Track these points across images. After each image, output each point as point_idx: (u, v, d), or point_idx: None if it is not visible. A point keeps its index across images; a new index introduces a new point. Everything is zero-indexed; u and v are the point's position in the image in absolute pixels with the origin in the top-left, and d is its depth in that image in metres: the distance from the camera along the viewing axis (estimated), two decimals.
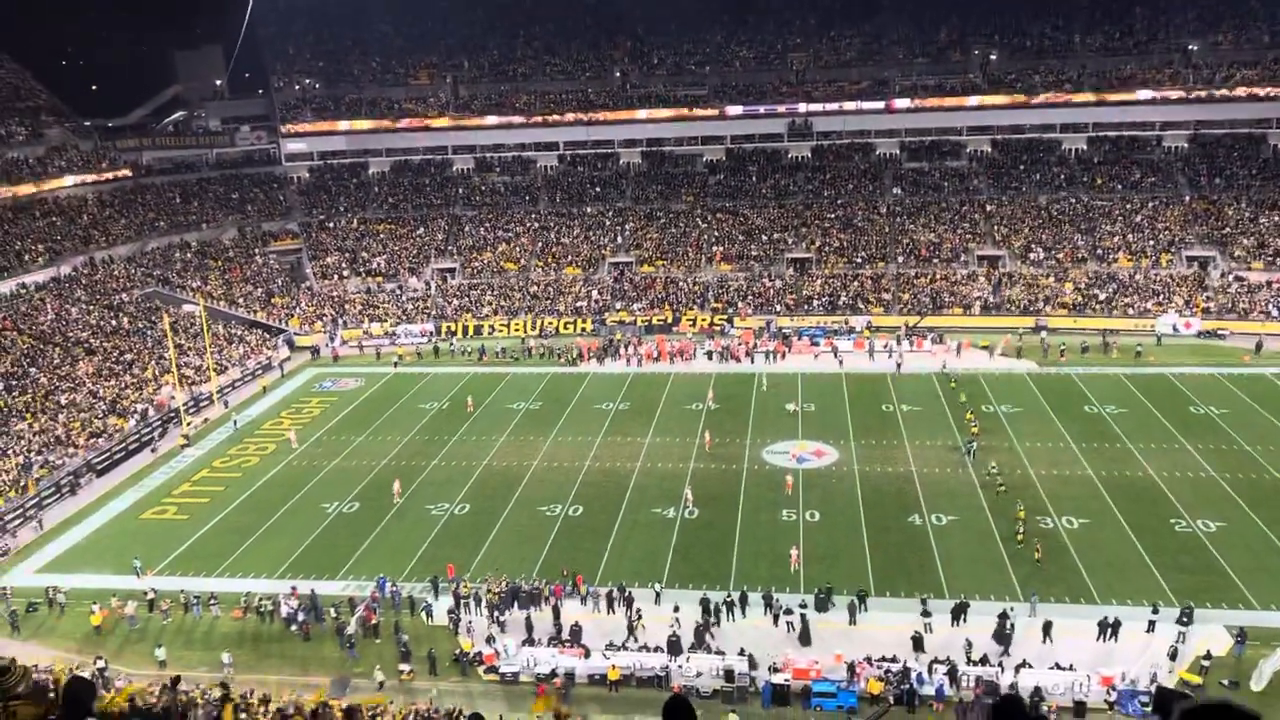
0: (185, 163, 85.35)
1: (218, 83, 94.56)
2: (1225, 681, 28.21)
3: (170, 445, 51.89)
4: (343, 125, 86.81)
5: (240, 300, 71.78)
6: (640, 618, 32.29)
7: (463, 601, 33.82)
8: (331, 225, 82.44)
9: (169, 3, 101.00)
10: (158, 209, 79.29)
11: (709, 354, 62.85)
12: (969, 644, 29.77)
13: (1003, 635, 30.49)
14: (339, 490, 44.58)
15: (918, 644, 30.49)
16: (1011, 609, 31.62)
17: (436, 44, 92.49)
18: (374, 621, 32.92)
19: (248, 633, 33.34)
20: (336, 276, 77.04)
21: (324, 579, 36.44)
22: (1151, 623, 30.80)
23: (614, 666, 30.02)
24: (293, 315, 71.61)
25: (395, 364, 63.96)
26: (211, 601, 34.46)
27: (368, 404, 56.92)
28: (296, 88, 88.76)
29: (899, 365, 59.09)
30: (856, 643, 30.75)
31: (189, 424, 53.71)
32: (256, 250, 78.90)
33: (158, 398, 55.48)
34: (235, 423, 54.23)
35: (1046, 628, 30.76)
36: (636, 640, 31.59)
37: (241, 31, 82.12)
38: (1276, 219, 71.11)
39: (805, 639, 31.09)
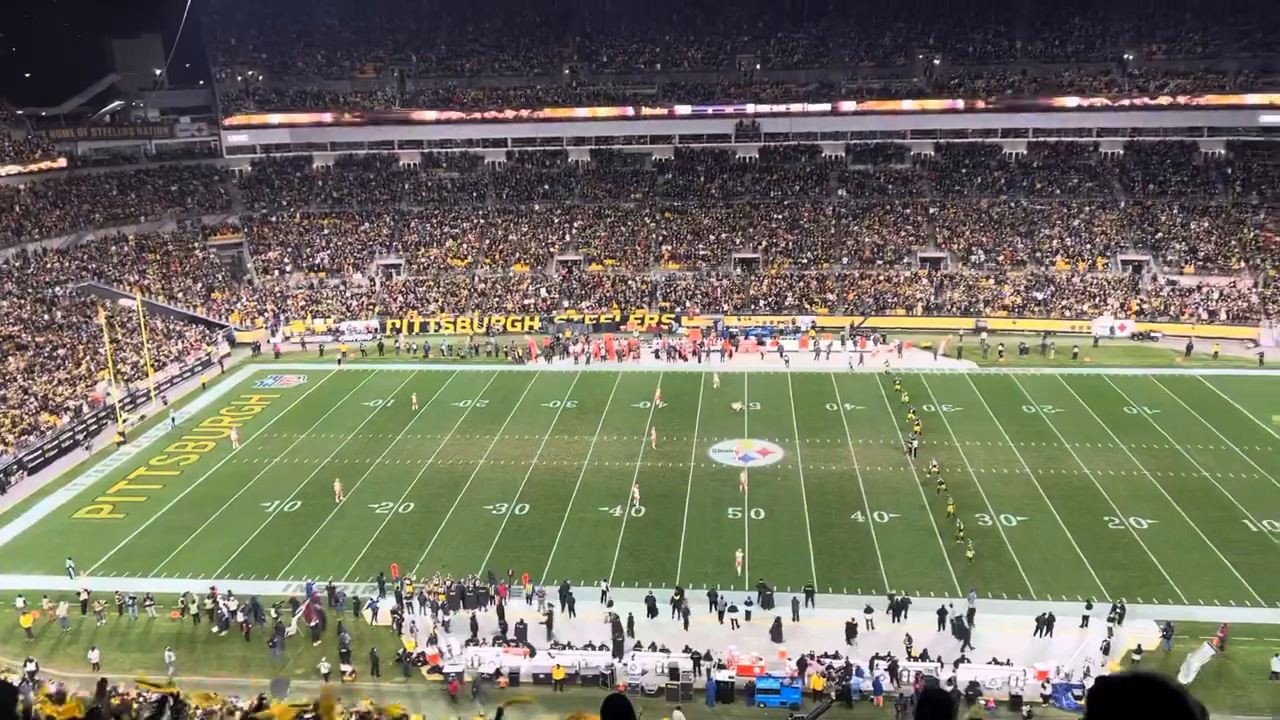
0: (123, 154, 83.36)
1: (157, 73, 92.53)
2: None
3: (105, 443, 50.69)
4: (287, 118, 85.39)
5: (179, 295, 70.33)
6: (550, 613, 32.23)
7: (406, 601, 33.56)
8: (274, 219, 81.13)
9: None
10: (94, 201, 77.33)
11: (656, 353, 63.04)
12: (909, 639, 30.27)
13: (962, 629, 31.08)
14: (280, 489, 43.92)
15: (851, 632, 30.95)
16: (950, 605, 32.23)
17: (383, 38, 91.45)
18: (314, 622, 32.51)
19: (185, 634, 32.72)
20: (279, 271, 75.84)
21: (265, 579, 35.92)
22: (1085, 618, 31.60)
23: (559, 666, 30.01)
24: (234, 311, 70.35)
25: (339, 361, 63.16)
26: (148, 602, 33.75)
27: (310, 401, 56.15)
28: (239, 79, 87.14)
29: (852, 365, 59.75)
30: (799, 639, 31.13)
31: (125, 421, 52.52)
32: (196, 244, 77.37)
33: (92, 394, 54.19)
34: (173, 419, 53.15)
35: (967, 618, 31.49)
36: (551, 639, 31.53)
37: (182, 21, 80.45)
38: (1206, 225, 73.25)
39: (777, 635, 31.33)
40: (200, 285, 72.42)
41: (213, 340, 65.79)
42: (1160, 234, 73.34)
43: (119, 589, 34.88)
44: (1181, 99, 79.01)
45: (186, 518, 41.29)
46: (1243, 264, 69.17)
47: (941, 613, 31.80)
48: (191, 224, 79.17)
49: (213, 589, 34.04)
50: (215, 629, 32.60)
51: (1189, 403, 52.16)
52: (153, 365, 58.38)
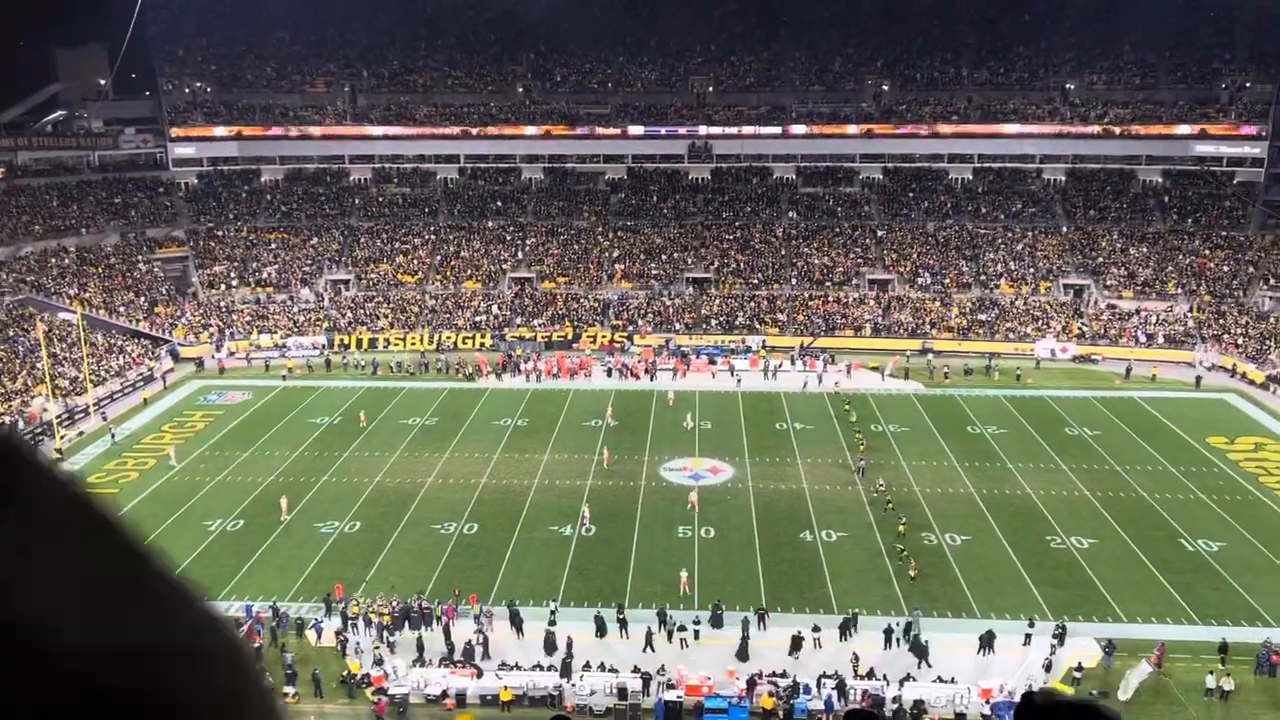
0: (64, 164, 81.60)
1: (101, 82, 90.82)
2: (1094, 692, 29.53)
3: None
4: (235, 130, 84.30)
5: (122, 309, 68.91)
6: (485, 635, 31.99)
7: (351, 622, 33.09)
8: (220, 233, 79.91)
9: None
10: (33, 212, 75.59)
11: (609, 371, 63.07)
12: (855, 657, 30.47)
13: (920, 647, 31.37)
14: (223, 507, 43.10)
15: (796, 645, 31.11)
16: (896, 624, 32.55)
17: (335, 52, 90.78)
18: (257, 644, 31.90)
19: None
20: (224, 286, 74.67)
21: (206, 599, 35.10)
22: (1028, 636, 32.11)
23: (506, 687, 29.78)
24: (177, 325, 69.09)
25: (284, 377, 62.27)
26: None
27: (255, 418, 55.25)
28: (186, 91, 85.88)
29: (807, 384, 60.22)
30: (751, 658, 31.22)
31: (62, 437, 51.24)
32: (140, 257, 75.89)
33: (28, 410, 52.81)
34: (113, 436, 51.98)
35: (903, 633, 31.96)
36: (480, 658, 31.28)
37: (128, 31, 79.01)
38: (1145, 250, 75.25)
39: (743, 654, 31.33)
40: (143, 299, 71.04)
41: (155, 355, 64.52)
42: (1100, 259, 75.17)
43: None
44: (1118, 129, 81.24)
45: None
46: (1179, 289, 71.14)
47: (888, 631, 32.11)
48: (135, 237, 77.69)
49: None
50: None
51: (1128, 424, 53.38)
52: (92, 380, 57.07)
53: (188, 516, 42.21)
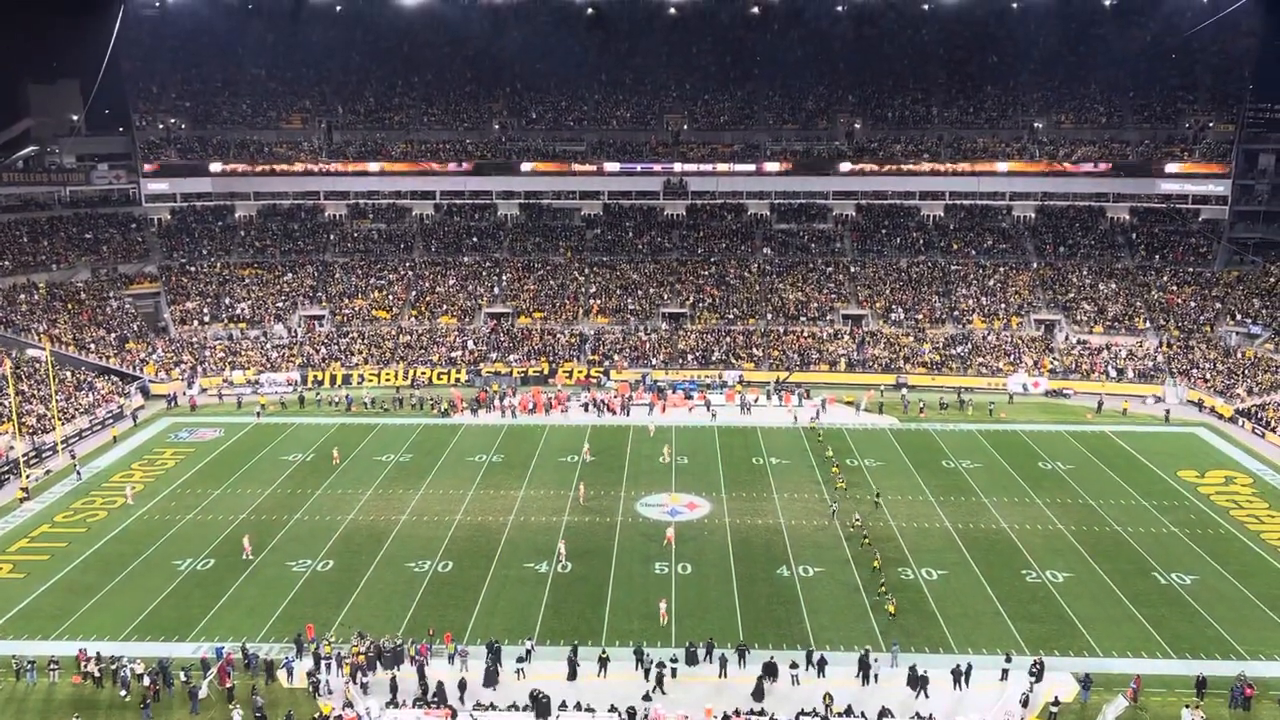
0: (35, 200, 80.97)
1: (74, 118, 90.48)
2: None
3: (8, 498, 48.49)
4: (209, 166, 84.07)
5: (92, 345, 68.14)
6: (463, 679, 31.52)
7: (323, 662, 32.55)
8: (193, 269, 79.43)
9: (23, 34, 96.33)
10: (2, 247, 74.86)
11: (585, 406, 62.94)
12: (829, 697, 30.16)
13: (916, 679, 31.25)
14: (193, 546, 42.43)
15: (760, 691, 30.91)
16: (876, 659, 32.41)
17: (310, 89, 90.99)
18: (229, 685, 31.29)
19: (86, 699, 31.15)
20: (197, 322, 74.09)
21: (175, 640, 34.52)
22: (1005, 670, 32.06)
23: None
24: (148, 362, 68.37)
25: (257, 414, 61.68)
26: (51, 666, 32.13)
27: (227, 455, 54.61)
28: (160, 127, 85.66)
29: (797, 418, 60.35)
30: (726, 696, 30.96)
31: (28, 476, 50.38)
32: (111, 293, 75.22)
33: None
34: (79, 473, 51.18)
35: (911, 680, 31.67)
36: (427, 694, 30.83)
37: (102, 67, 78.90)
38: (1114, 286, 76.33)
39: (759, 694, 31.03)
40: (114, 336, 70.31)
41: (126, 392, 63.76)
42: (1071, 294, 76.13)
43: (17, 652, 33.19)
44: (1086, 166, 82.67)
45: (91, 577, 39.58)
46: (1148, 324, 72.11)
47: (864, 665, 31.96)
48: (107, 273, 77.05)
49: (80, 651, 32.62)
50: (121, 693, 31.12)
51: (1100, 458, 53.80)
52: (60, 418, 56.28)
53: (157, 556, 41.52)
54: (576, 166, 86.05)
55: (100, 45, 79.85)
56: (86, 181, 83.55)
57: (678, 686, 31.57)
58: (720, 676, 32.15)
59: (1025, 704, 30.37)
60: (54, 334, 66.91)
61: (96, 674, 31.99)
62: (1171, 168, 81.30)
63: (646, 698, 30.76)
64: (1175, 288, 75.74)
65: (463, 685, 31.28)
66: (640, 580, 39.27)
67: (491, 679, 31.99)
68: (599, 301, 77.28)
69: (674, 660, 32.42)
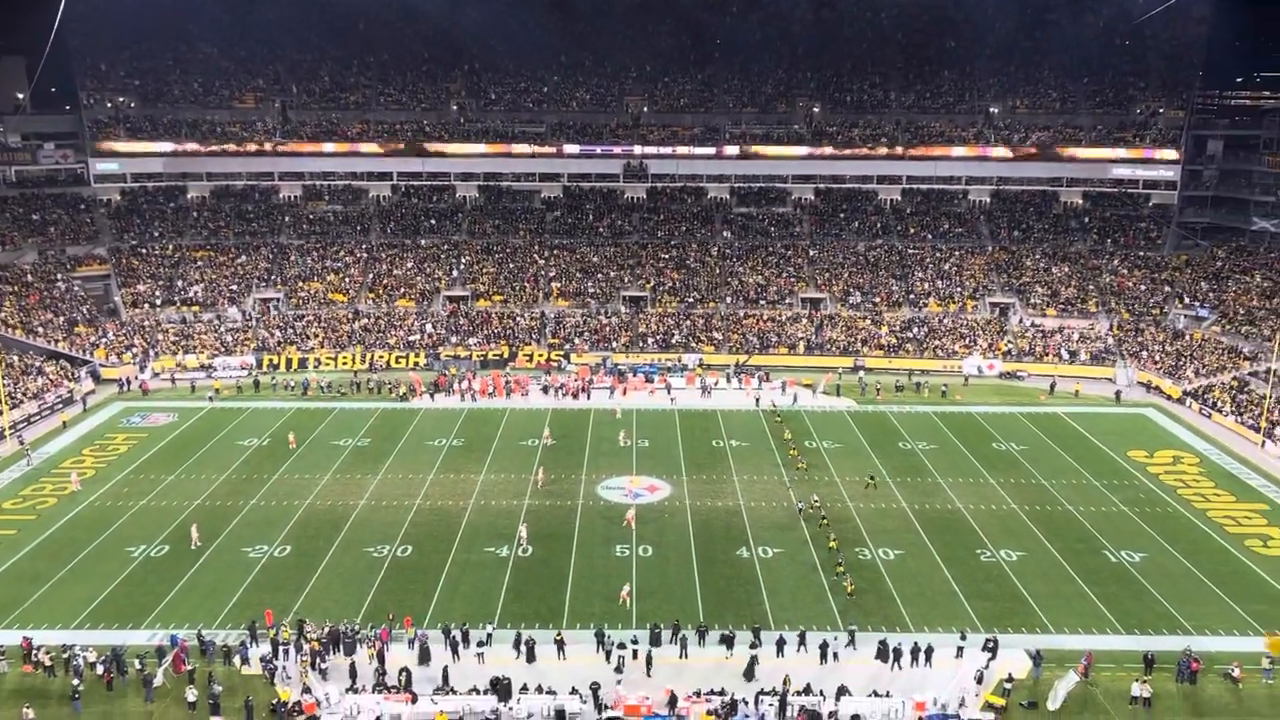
0: None
1: (19, 96, 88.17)
2: (1025, 703, 30.10)
3: None
4: (160, 147, 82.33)
5: (39, 329, 66.66)
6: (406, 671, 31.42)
7: (281, 648, 32.29)
8: (144, 251, 77.89)
9: None
10: None
11: (545, 389, 62.78)
12: (787, 679, 30.47)
13: (886, 652, 31.82)
14: (146, 532, 41.80)
15: (749, 674, 31.26)
16: (835, 638, 32.83)
17: (264, 68, 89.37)
18: (184, 670, 30.91)
19: (39, 688, 30.63)
20: (149, 305, 72.73)
21: (129, 628, 34.04)
22: (960, 648, 32.62)
23: (441, 712, 29.29)
24: (99, 346, 67.05)
25: (210, 398, 60.79)
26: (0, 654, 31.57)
27: (181, 440, 53.79)
28: (109, 105, 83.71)
29: (760, 401, 60.66)
30: (686, 676, 31.20)
31: None
32: (59, 276, 73.56)
33: None
34: (29, 459, 50.15)
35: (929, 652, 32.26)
36: (386, 681, 30.81)
37: (48, 44, 76.83)
38: (1067, 270, 77.52)
39: (749, 674, 31.27)
40: (63, 319, 68.83)
41: (75, 377, 62.50)
42: (1025, 278, 77.20)
43: None
44: (1042, 151, 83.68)
45: (41, 565, 38.86)
46: (1099, 307, 73.37)
47: (824, 646, 32.35)
48: (54, 254, 75.31)
49: (25, 640, 32.12)
50: (74, 682, 30.62)
51: (1053, 439, 54.77)
52: (7, 403, 55.07)
53: (110, 542, 40.86)
54: (535, 148, 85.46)
55: (46, 21, 77.62)
56: (33, 161, 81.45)
57: (638, 668, 31.71)
58: (681, 658, 32.37)
59: (980, 680, 30.95)
60: (0, 317, 65.33)
61: (48, 663, 31.47)
62: (1120, 153, 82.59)
63: (618, 669, 31.13)
64: (1126, 271, 77.10)
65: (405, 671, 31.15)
66: (601, 563, 39.38)
67: (425, 657, 31.91)
68: (559, 285, 77.01)
69: (635, 642, 32.59)
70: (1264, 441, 53.47)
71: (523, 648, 32.37)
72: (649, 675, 31.25)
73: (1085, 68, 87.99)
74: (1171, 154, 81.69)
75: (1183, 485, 48.11)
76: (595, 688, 29.96)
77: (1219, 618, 35.48)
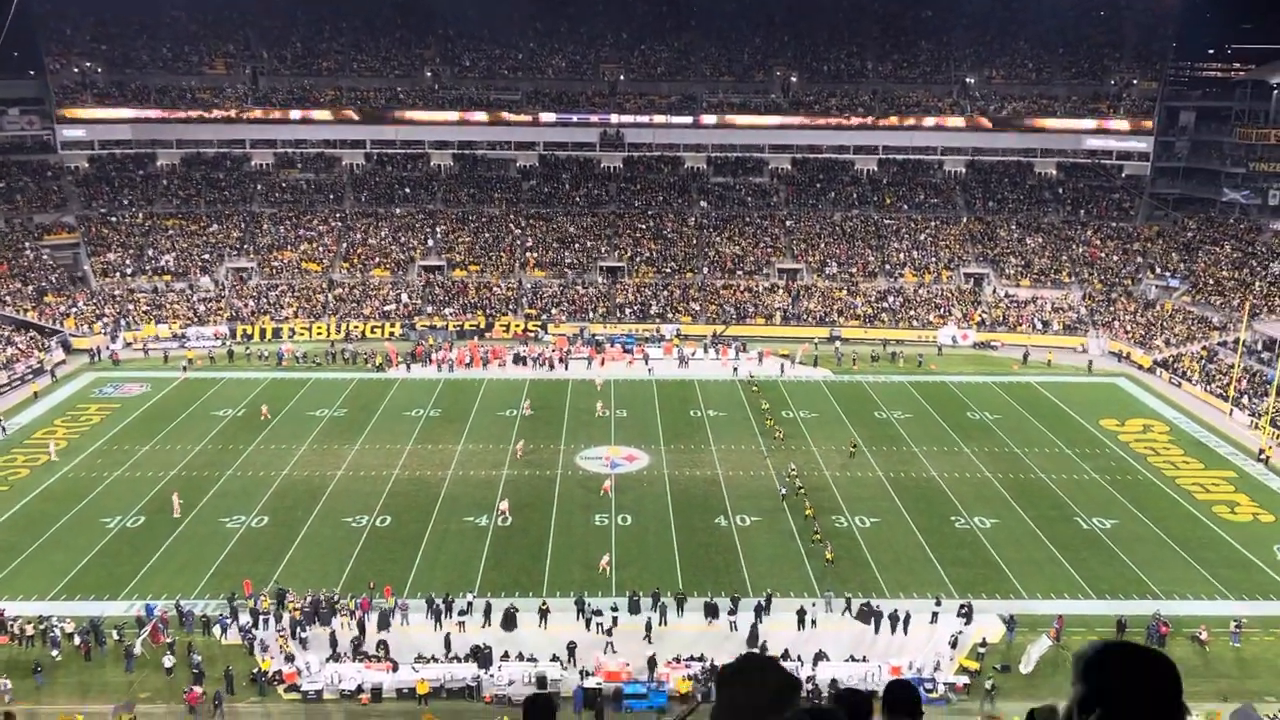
0: None
1: None
2: (999, 666, 30.67)
3: None
4: (128, 113, 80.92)
5: (8, 298, 65.64)
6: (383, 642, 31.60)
7: (261, 618, 32.30)
8: (114, 219, 76.71)
9: None
10: None
11: (522, 360, 62.66)
12: (763, 646, 30.89)
13: (867, 615, 32.57)
14: (122, 503, 41.54)
15: (752, 639, 31.66)
16: (814, 604, 33.26)
17: (234, 33, 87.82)
18: (162, 641, 30.88)
19: (15, 659, 30.50)
20: (119, 274, 71.76)
21: (106, 599, 33.90)
22: (935, 614, 33.14)
23: (423, 680, 29.47)
24: (69, 315, 66.17)
25: (184, 368, 60.23)
26: None
27: (154, 411, 53.33)
28: (75, 70, 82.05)
29: (738, 370, 60.75)
30: (666, 643, 31.52)
31: None
32: (27, 244, 72.33)
33: None
34: (3, 429, 49.59)
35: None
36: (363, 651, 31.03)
37: (10, 8, 75.06)
38: (1040, 240, 78.08)
39: (754, 638, 31.69)
40: (31, 288, 67.81)
41: (45, 347, 61.69)
42: (999, 249, 77.70)
43: None
44: (1018, 122, 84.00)
45: (15, 537, 38.54)
46: (1072, 278, 74.04)
47: (800, 613, 32.76)
48: (21, 223, 74.01)
49: (0, 611, 31.98)
50: (52, 653, 30.53)
51: (1026, 408, 55.42)
52: None
53: (85, 513, 40.57)
54: (510, 116, 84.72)
55: None
56: None
57: (620, 635, 31.98)
58: (659, 625, 32.68)
59: (954, 645, 31.50)
60: None
61: (30, 633, 31.30)
62: (1094, 124, 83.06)
63: (609, 631, 31.65)
64: (1099, 242, 77.76)
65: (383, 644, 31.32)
66: (581, 532, 39.58)
67: (384, 622, 32.11)
68: (535, 255, 76.67)
69: (615, 609, 32.86)
70: (1231, 410, 54.38)
71: (494, 616, 32.55)
72: (648, 641, 31.51)
73: (1061, 38, 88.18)
74: (1145, 125, 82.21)
75: (1153, 453, 48.90)
76: (572, 647, 30.29)
77: (1187, 582, 36.23)
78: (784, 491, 42.90)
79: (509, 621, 32.46)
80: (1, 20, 72.75)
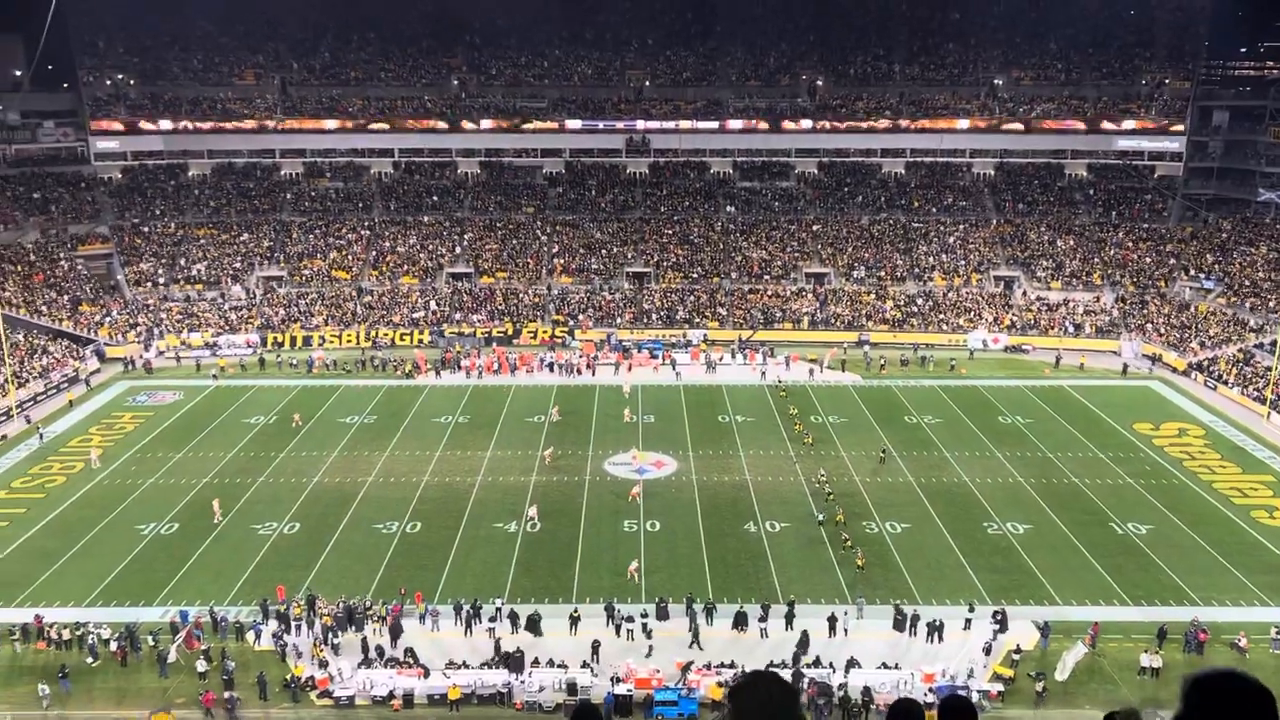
0: None
1: (18, 74, 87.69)
2: (1033, 673, 30.29)
3: None
4: (160, 124, 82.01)
5: (44, 308, 66.64)
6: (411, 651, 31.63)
7: (294, 624, 32.51)
8: (147, 229, 77.72)
9: None
10: None
11: (551, 366, 62.76)
12: (796, 657, 30.64)
13: (902, 621, 32.37)
14: (156, 510, 41.98)
15: (803, 645, 31.42)
16: (845, 612, 33.00)
17: (263, 44, 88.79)
18: (196, 647, 31.14)
19: (54, 666, 30.85)
20: (152, 284, 72.67)
21: (141, 605, 34.25)
22: (968, 620, 32.79)
23: (454, 686, 29.53)
24: (103, 324, 67.05)
25: (215, 376, 60.83)
26: (12, 635, 31.74)
27: (187, 418, 53.89)
28: (108, 83, 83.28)
29: (766, 375, 60.50)
30: (696, 650, 31.38)
31: None
32: (62, 255, 73.44)
33: None
34: (41, 436, 50.27)
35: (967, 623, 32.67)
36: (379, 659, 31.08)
37: (46, 22, 76.28)
38: (1071, 243, 77.27)
39: (804, 645, 31.58)
40: (66, 298, 68.81)
41: (80, 356, 62.55)
42: (1029, 251, 76.97)
43: None
44: (1047, 123, 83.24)
45: (53, 542, 39.06)
46: (1104, 280, 73.20)
47: (832, 619, 32.52)
48: (57, 233, 75.18)
49: (37, 617, 32.33)
50: (89, 659, 30.88)
51: (1058, 412, 54.79)
52: (14, 382, 55.13)
53: (119, 520, 41.04)
54: (537, 123, 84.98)
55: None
56: (33, 140, 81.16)
57: (654, 642, 31.89)
58: (690, 632, 32.55)
59: (988, 652, 31.15)
60: (4, 297, 65.32)
61: (67, 637, 31.67)
62: (1126, 125, 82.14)
63: (647, 635, 31.67)
64: (1131, 244, 76.84)
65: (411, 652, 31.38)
66: (610, 538, 39.54)
67: (396, 632, 32.13)
68: (562, 261, 76.84)
69: (645, 616, 32.77)
70: (1269, 413, 53.50)
71: (521, 621, 32.54)
72: (698, 648, 31.50)
73: (1090, 39, 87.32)
74: (1177, 125, 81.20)
75: (1188, 457, 48.19)
76: (596, 645, 30.28)
77: (1225, 588, 35.64)
78: (821, 517, 41.01)
79: (533, 626, 32.45)
80: (37, 35, 74.02)
